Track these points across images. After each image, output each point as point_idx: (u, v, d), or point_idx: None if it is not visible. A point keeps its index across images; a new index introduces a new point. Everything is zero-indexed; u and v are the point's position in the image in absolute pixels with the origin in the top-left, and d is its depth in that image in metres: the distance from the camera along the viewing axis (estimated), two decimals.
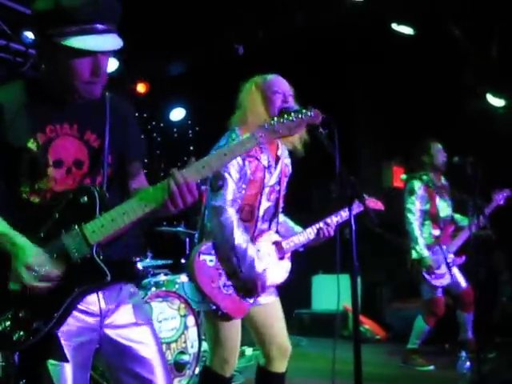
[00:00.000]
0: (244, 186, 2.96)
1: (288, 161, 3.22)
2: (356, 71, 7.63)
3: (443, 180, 5.45)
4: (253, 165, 2.98)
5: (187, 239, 5.39)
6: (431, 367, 5.22)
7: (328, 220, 3.19)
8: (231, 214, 2.88)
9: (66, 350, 1.96)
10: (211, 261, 2.91)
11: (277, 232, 3.17)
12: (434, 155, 5.31)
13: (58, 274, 1.91)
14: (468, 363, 4.27)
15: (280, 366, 3.11)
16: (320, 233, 3.15)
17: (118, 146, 2.16)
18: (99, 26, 1.93)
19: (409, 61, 6.83)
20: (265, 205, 3.05)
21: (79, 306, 2.01)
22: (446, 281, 5.14)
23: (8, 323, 1.90)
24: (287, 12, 6.43)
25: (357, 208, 3.14)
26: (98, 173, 2.11)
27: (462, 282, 5.27)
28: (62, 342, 1.95)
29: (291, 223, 3.32)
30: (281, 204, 3.18)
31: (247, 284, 2.90)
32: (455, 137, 5.48)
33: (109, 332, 2.09)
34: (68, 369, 1.97)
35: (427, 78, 6.89)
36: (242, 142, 2.09)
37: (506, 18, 6.08)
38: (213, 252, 2.92)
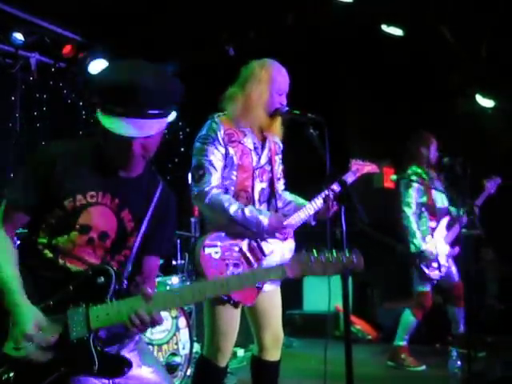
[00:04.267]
0: (235, 172, 2.96)
1: (277, 139, 3.20)
2: (346, 72, 7.64)
3: (435, 174, 5.44)
4: (238, 149, 2.97)
5: (178, 241, 5.38)
6: (423, 367, 5.20)
7: (334, 186, 2.96)
8: (215, 192, 2.89)
9: None
10: (216, 253, 2.91)
11: (276, 211, 3.12)
12: (431, 149, 5.34)
13: (50, 342, 1.90)
14: (459, 362, 4.29)
15: (274, 354, 3.12)
16: (328, 200, 3.00)
17: (147, 237, 2.16)
18: (152, 112, 1.94)
19: (398, 62, 6.85)
20: (258, 187, 3.05)
21: None
22: (439, 273, 5.15)
23: None
24: (278, 13, 6.44)
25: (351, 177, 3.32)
26: (119, 252, 2.12)
27: (455, 275, 5.28)
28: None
29: (300, 200, 3.25)
30: (276, 184, 3.15)
31: (266, 236, 2.97)
32: (445, 137, 5.50)
33: (120, 381, 2.09)
34: None
35: (417, 78, 6.91)
36: (266, 271, 2.16)
37: (495, 19, 6.11)
38: (217, 243, 2.92)
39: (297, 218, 3.08)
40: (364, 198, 3.71)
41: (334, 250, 2.10)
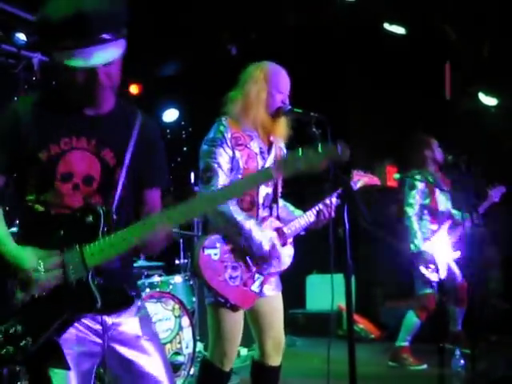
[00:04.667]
0: (240, 176, 2.96)
1: (282, 144, 3.21)
2: (348, 71, 7.64)
3: (440, 174, 5.44)
4: (244, 153, 2.98)
5: (181, 240, 5.39)
6: (424, 366, 5.19)
7: (327, 201, 3.08)
8: None
9: (67, 358, 1.93)
10: (215, 254, 2.92)
11: (277, 218, 3.15)
12: (435, 149, 5.34)
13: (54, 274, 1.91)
14: (462, 361, 4.28)
15: (275, 359, 3.12)
16: (320, 215, 3.11)
17: (137, 171, 2.11)
18: (106, 36, 1.89)
19: (401, 60, 6.85)
20: (263, 191, 3.05)
21: (82, 320, 2.00)
22: (440, 275, 5.13)
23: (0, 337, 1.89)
24: (279, 12, 6.44)
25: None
26: (108, 192, 2.05)
27: (458, 276, 5.28)
28: (64, 350, 1.93)
29: (291, 207, 3.31)
30: (279, 189, 3.17)
31: (261, 259, 2.96)
32: (448, 136, 5.50)
33: (114, 345, 2.06)
34: (72, 376, 1.95)
35: (419, 77, 6.90)
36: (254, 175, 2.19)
37: (497, 18, 6.10)
38: (217, 245, 2.93)
39: (297, 225, 3.13)
40: (367, 197, 3.71)
41: (319, 144, 2.03)
